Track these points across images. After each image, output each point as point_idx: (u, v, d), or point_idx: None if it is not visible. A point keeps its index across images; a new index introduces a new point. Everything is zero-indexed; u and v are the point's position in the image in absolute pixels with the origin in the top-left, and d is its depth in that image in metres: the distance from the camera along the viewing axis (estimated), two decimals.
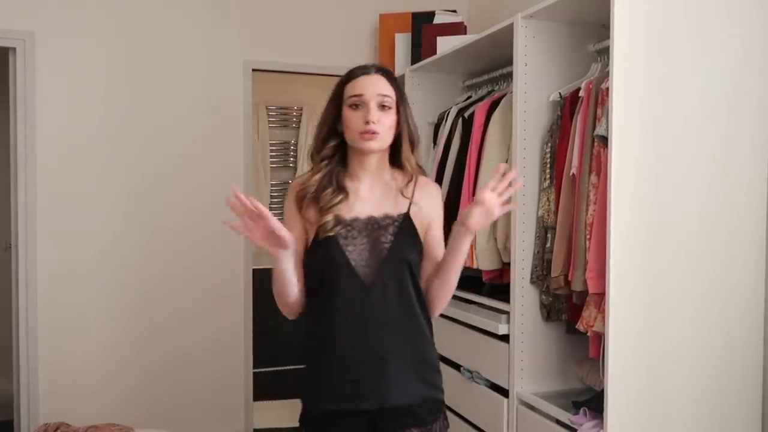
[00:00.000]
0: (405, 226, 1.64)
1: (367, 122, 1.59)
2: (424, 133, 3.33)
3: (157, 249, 3.56)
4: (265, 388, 4.14)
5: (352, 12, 3.87)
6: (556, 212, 2.35)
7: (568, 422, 2.18)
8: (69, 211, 3.41)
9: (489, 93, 3.03)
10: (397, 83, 1.67)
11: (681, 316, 2.04)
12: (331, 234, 1.59)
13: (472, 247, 2.67)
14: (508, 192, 1.57)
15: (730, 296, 2.10)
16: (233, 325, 3.71)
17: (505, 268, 2.63)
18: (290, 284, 1.62)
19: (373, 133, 1.59)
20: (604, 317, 2.01)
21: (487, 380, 2.67)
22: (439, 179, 2.98)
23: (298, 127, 5.37)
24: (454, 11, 3.62)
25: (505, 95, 2.74)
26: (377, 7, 3.83)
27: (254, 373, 3.80)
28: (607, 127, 1.98)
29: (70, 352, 3.41)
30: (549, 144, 2.42)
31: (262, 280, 4.06)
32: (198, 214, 3.61)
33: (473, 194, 2.74)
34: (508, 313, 2.50)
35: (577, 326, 2.19)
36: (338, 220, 1.61)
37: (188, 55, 3.60)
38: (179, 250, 3.60)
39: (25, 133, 3.31)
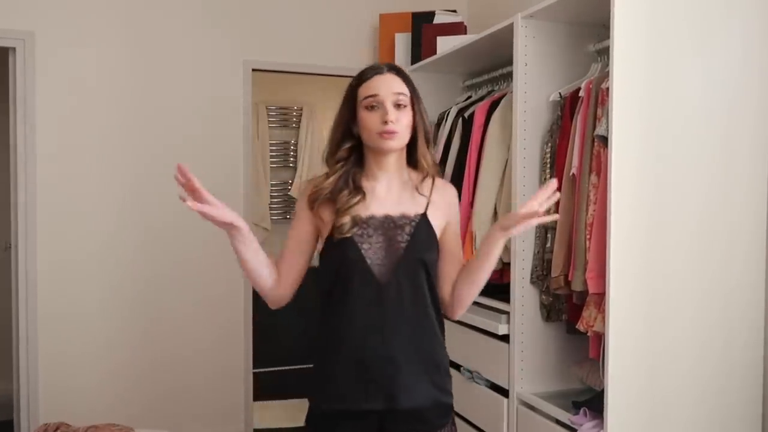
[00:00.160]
0: (422, 226, 1.63)
1: (385, 122, 1.58)
2: None
3: (157, 249, 3.56)
4: (265, 388, 4.14)
5: (352, 12, 3.87)
6: (556, 212, 2.35)
7: (568, 422, 2.18)
8: (69, 211, 3.41)
9: (489, 93, 3.03)
10: (410, 81, 1.66)
11: (681, 316, 2.04)
12: (347, 236, 1.59)
13: (473, 247, 2.67)
14: (549, 202, 1.53)
15: (730, 296, 2.10)
16: (233, 325, 3.71)
17: (505, 268, 2.62)
18: (253, 271, 1.63)
19: (392, 132, 1.58)
20: (604, 317, 2.01)
21: (487, 380, 2.67)
22: None
23: (298, 127, 5.37)
24: (454, 11, 3.62)
25: (505, 95, 2.74)
26: (377, 7, 3.83)
27: (254, 373, 3.80)
28: (607, 127, 1.98)
29: (70, 352, 3.41)
30: (549, 144, 2.42)
31: None
32: (198, 213, 3.60)
33: (473, 194, 2.75)
34: (508, 313, 2.51)
35: (577, 326, 2.19)
36: (355, 222, 1.59)
37: (188, 55, 3.60)
38: (179, 249, 3.60)
39: (25, 133, 3.31)
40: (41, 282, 3.35)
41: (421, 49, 3.45)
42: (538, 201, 1.52)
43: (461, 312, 1.73)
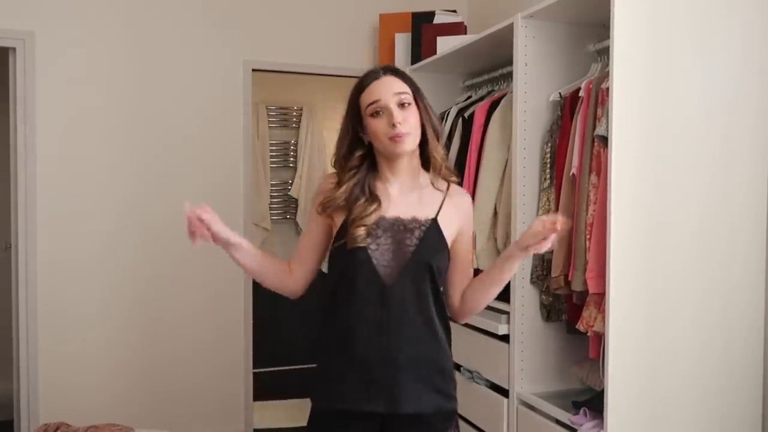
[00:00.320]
0: (432, 230, 1.62)
1: (393, 125, 1.56)
2: None
3: (157, 249, 3.56)
4: (265, 388, 4.14)
5: (352, 12, 3.87)
6: (556, 212, 2.35)
7: (568, 422, 2.18)
8: (69, 211, 3.41)
9: (489, 93, 3.03)
10: (410, 78, 1.65)
11: (681, 316, 2.04)
12: (361, 245, 1.58)
13: (474, 248, 2.67)
14: (551, 230, 1.50)
15: (730, 296, 2.10)
16: (233, 325, 3.71)
17: None
18: (256, 274, 1.71)
19: (402, 134, 1.56)
20: (604, 317, 2.01)
21: (487, 380, 2.67)
22: None
23: (298, 127, 5.36)
24: (454, 11, 3.62)
25: (505, 95, 2.74)
26: (377, 7, 3.83)
27: (254, 373, 3.80)
28: (607, 127, 1.98)
29: (70, 352, 3.41)
30: (549, 144, 2.42)
31: None
32: None
33: (473, 194, 2.74)
34: (508, 313, 2.51)
35: (577, 326, 2.19)
36: (369, 232, 1.59)
37: (188, 55, 3.60)
38: (179, 249, 3.59)
39: (25, 133, 3.31)
40: (41, 282, 3.35)
41: (421, 49, 3.45)
42: (542, 224, 1.50)
43: (468, 319, 1.75)
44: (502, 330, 2.51)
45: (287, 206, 5.36)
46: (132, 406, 3.49)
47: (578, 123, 2.25)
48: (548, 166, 2.41)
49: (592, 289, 2.09)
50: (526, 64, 2.45)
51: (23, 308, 3.32)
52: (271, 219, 5.24)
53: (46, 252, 3.35)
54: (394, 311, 1.58)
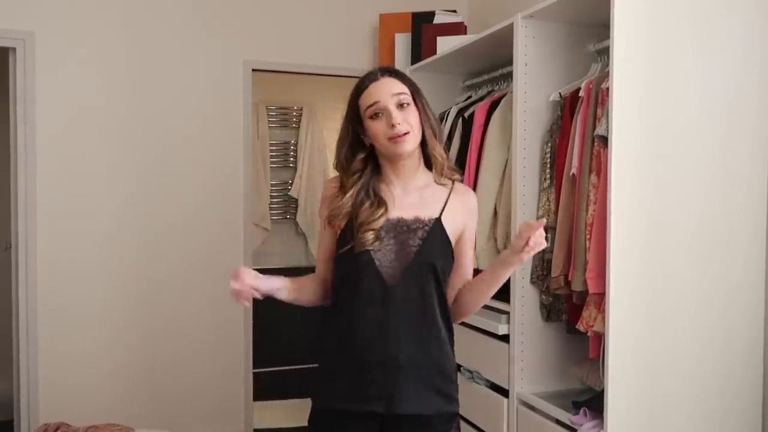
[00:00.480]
0: (435, 231, 1.61)
1: (392, 126, 1.56)
2: None
3: (157, 249, 3.56)
4: (265, 388, 4.14)
5: (352, 12, 3.87)
6: (556, 212, 2.35)
7: (568, 422, 2.18)
8: (69, 211, 3.41)
9: (489, 93, 3.04)
10: (408, 79, 1.65)
11: (681, 317, 2.04)
12: (370, 249, 1.58)
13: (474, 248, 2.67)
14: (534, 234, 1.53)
15: (730, 296, 2.10)
16: (233, 325, 3.71)
17: None
18: (303, 300, 1.71)
19: (402, 134, 1.56)
20: (604, 317, 2.01)
21: (487, 380, 2.67)
22: None
23: (298, 127, 5.37)
24: (454, 11, 3.62)
25: (505, 95, 2.74)
26: (377, 7, 3.83)
27: (254, 373, 3.80)
28: (607, 127, 1.98)
29: (70, 352, 3.41)
30: (549, 144, 2.42)
31: None
32: (198, 213, 3.62)
33: None
34: (508, 313, 2.51)
35: (577, 326, 2.19)
36: (377, 237, 1.58)
37: (188, 55, 3.60)
38: (179, 249, 3.60)
39: (25, 133, 3.32)
40: (41, 282, 3.35)
41: (421, 49, 3.45)
42: (526, 225, 1.52)
43: (463, 319, 1.74)
44: (502, 330, 2.51)
45: (287, 206, 5.36)
46: (132, 406, 3.49)
47: (578, 123, 2.25)
48: (548, 166, 2.41)
49: (592, 289, 2.09)
50: (526, 64, 2.46)
51: (23, 308, 3.32)
52: (271, 219, 5.24)
53: (46, 252, 3.36)
54: (395, 312, 1.58)
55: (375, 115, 1.59)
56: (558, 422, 2.26)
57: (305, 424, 1.73)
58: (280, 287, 1.64)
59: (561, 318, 2.44)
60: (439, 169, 1.67)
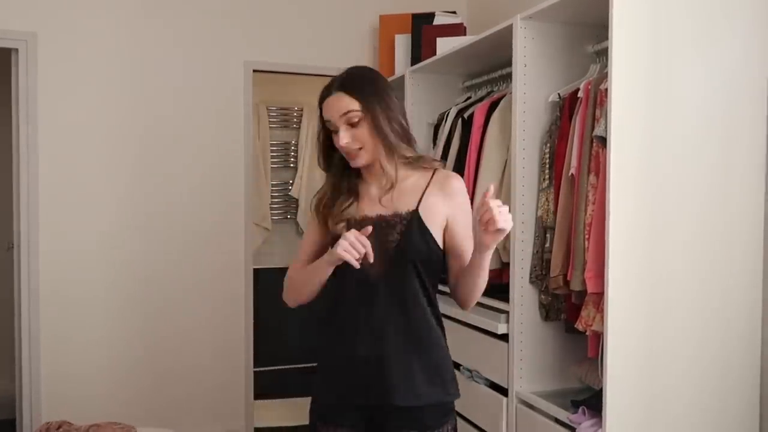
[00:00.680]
0: (413, 223, 1.62)
1: (341, 146, 1.61)
2: (423, 133, 3.34)
3: (158, 249, 3.58)
4: (265, 387, 4.16)
5: (352, 13, 3.88)
6: (555, 212, 2.36)
7: (567, 421, 2.19)
8: (71, 211, 3.42)
9: (488, 94, 3.05)
10: (363, 89, 1.61)
11: (679, 316, 2.05)
12: None
13: None
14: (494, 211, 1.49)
15: (728, 296, 2.11)
16: (234, 325, 3.72)
17: (504, 267, 2.64)
18: (322, 283, 1.65)
19: (352, 153, 1.61)
20: (602, 317, 2.02)
21: (486, 379, 2.68)
22: None
23: (299, 128, 5.38)
24: (454, 12, 3.63)
25: (504, 96, 2.75)
26: (377, 8, 3.84)
27: (255, 372, 3.81)
28: (606, 127, 1.99)
29: (72, 352, 3.42)
30: (548, 144, 2.43)
31: (263, 280, 4.10)
32: (199, 213, 3.63)
33: (473, 194, 2.76)
34: (507, 312, 2.52)
35: (575, 326, 2.20)
36: (350, 226, 1.61)
37: (189, 56, 3.61)
38: (181, 249, 3.62)
39: (27, 134, 3.33)
40: (43, 281, 3.36)
41: (420, 50, 3.46)
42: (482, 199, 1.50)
43: (472, 304, 1.71)
44: (501, 329, 2.52)
45: (288, 206, 5.38)
46: (133, 404, 3.51)
47: (577, 124, 2.26)
48: (547, 166, 2.42)
49: (590, 289, 2.10)
50: (525, 65, 2.47)
51: (25, 308, 3.34)
52: (272, 219, 5.25)
53: (49, 252, 3.37)
54: (381, 308, 1.61)
55: (332, 130, 1.63)
56: (557, 421, 2.27)
57: (305, 422, 1.76)
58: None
59: (560, 317, 2.45)
60: (422, 167, 1.67)
